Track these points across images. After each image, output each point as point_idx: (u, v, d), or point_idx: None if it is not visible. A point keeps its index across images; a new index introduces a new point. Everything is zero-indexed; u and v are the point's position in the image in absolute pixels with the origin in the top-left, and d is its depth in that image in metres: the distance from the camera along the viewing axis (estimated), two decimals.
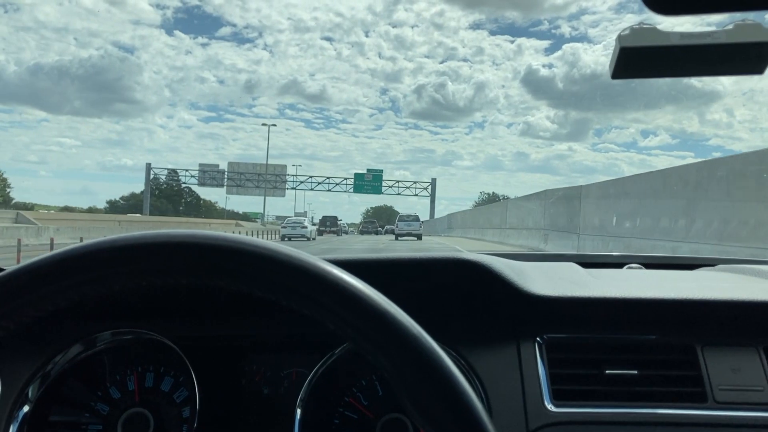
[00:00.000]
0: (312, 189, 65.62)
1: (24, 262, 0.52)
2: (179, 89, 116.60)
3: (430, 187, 66.43)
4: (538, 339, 0.94)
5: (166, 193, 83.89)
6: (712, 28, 0.75)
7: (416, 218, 35.90)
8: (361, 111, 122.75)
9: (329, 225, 41.31)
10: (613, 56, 0.79)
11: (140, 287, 0.52)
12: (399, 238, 33.98)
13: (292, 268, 0.51)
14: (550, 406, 0.87)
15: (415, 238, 33.37)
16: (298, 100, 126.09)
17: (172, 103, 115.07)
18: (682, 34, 0.76)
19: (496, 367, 0.91)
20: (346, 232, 54.02)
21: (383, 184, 63.59)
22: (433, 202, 65.67)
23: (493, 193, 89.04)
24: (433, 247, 22.79)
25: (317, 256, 0.54)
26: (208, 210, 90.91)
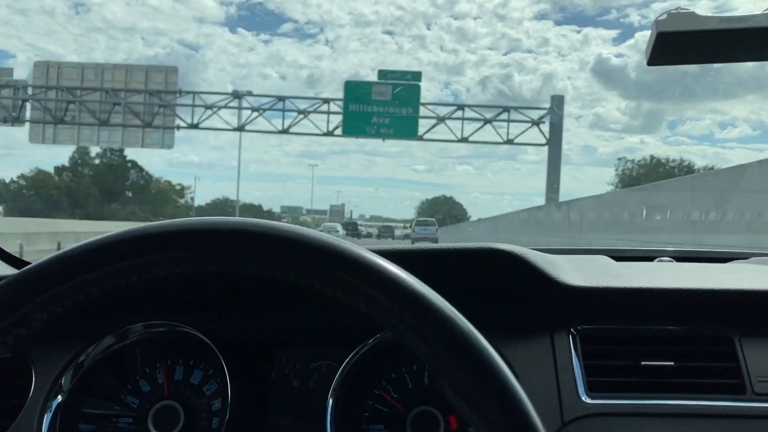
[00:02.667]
0: (242, 129, 24.47)
1: (73, 245, 0.52)
2: (243, 86, 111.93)
3: (547, 118, 24.12)
4: (572, 330, 0.93)
5: (100, 171, 45.59)
6: (752, 12, 0.73)
7: (433, 222, 38.80)
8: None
9: (351, 229, 49.74)
10: (650, 42, 0.77)
11: (173, 277, 0.52)
12: (415, 242, 35.50)
13: (334, 254, 0.51)
14: (585, 398, 0.86)
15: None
16: None
17: None
18: (721, 18, 0.74)
19: (529, 358, 0.90)
20: (368, 235, 55.23)
21: (423, 112, 22.33)
22: (557, 154, 24.79)
23: (666, 158, 43.36)
24: None
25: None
26: (165, 199, 49.85)
